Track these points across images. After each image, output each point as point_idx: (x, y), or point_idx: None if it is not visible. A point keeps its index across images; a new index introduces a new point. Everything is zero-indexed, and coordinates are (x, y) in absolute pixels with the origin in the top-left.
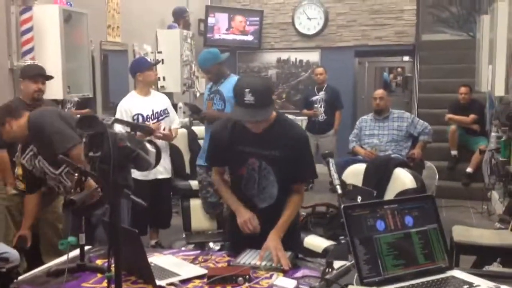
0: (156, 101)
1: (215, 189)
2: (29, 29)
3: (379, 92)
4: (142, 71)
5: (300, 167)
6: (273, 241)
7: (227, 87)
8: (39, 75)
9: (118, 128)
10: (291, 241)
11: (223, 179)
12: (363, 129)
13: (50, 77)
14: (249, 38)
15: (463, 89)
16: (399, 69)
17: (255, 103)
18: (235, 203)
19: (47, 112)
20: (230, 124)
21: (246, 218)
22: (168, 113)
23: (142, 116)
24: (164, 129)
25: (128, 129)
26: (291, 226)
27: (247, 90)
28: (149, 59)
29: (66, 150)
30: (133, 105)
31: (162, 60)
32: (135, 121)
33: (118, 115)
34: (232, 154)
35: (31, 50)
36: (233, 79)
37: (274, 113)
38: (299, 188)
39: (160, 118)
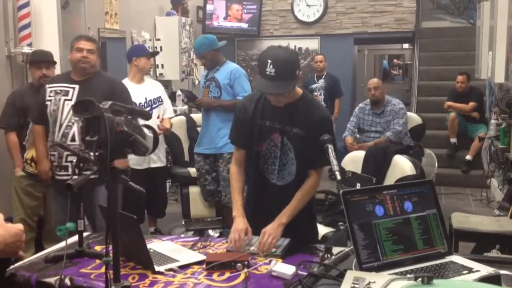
0: (149, 89)
1: (213, 176)
2: (27, 16)
3: (374, 81)
4: (138, 56)
5: (320, 151)
6: (271, 227)
7: (223, 74)
8: (41, 61)
9: None
10: (307, 228)
11: (239, 173)
12: (361, 121)
13: (53, 62)
14: (247, 26)
15: (460, 78)
16: (395, 60)
17: (275, 75)
18: (237, 210)
19: None
20: (256, 98)
21: (238, 228)
22: (161, 100)
23: (135, 104)
24: (158, 117)
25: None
26: (305, 215)
27: (269, 61)
28: (148, 48)
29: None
30: None
31: (161, 47)
32: None
33: None
34: (254, 128)
35: (28, 36)
36: (229, 66)
37: (300, 91)
38: (315, 172)
39: (154, 106)
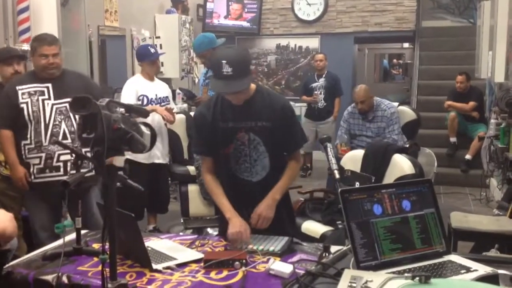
0: (159, 87)
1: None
2: (26, 13)
3: (360, 94)
4: (143, 61)
5: (292, 135)
6: (265, 206)
7: None
8: (11, 57)
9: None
10: (288, 224)
11: (215, 180)
12: (352, 126)
13: (24, 57)
14: (247, 24)
15: (459, 78)
16: (395, 61)
17: (232, 73)
18: (230, 212)
19: None
20: (212, 104)
21: (240, 229)
22: (168, 101)
23: (147, 97)
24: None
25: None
26: (285, 211)
27: (224, 61)
28: (152, 50)
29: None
30: (139, 85)
31: (161, 45)
32: (140, 101)
33: (124, 94)
34: (218, 133)
35: (27, 33)
36: None
37: (253, 85)
38: (296, 155)
39: (162, 104)
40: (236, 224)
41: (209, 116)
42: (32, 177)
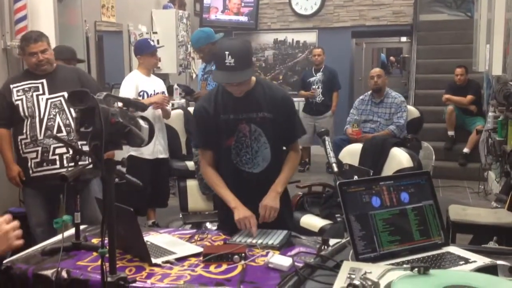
0: (156, 83)
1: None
2: (23, 8)
3: (376, 70)
4: (142, 54)
5: (292, 126)
6: (269, 199)
7: None
8: (73, 59)
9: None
10: (287, 218)
11: (215, 172)
12: (359, 112)
13: (81, 61)
14: (244, 19)
15: (458, 70)
16: (392, 58)
17: (235, 65)
18: (234, 201)
19: None
20: (213, 96)
21: (246, 215)
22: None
23: (147, 93)
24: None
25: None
26: (284, 204)
27: (227, 52)
28: (152, 43)
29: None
30: (139, 81)
31: (158, 41)
32: (141, 97)
33: (124, 89)
34: (219, 125)
35: (24, 29)
36: None
37: (253, 78)
38: (295, 146)
39: None
40: (242, 211)
41: (211, 109)
42: (30, 171)
